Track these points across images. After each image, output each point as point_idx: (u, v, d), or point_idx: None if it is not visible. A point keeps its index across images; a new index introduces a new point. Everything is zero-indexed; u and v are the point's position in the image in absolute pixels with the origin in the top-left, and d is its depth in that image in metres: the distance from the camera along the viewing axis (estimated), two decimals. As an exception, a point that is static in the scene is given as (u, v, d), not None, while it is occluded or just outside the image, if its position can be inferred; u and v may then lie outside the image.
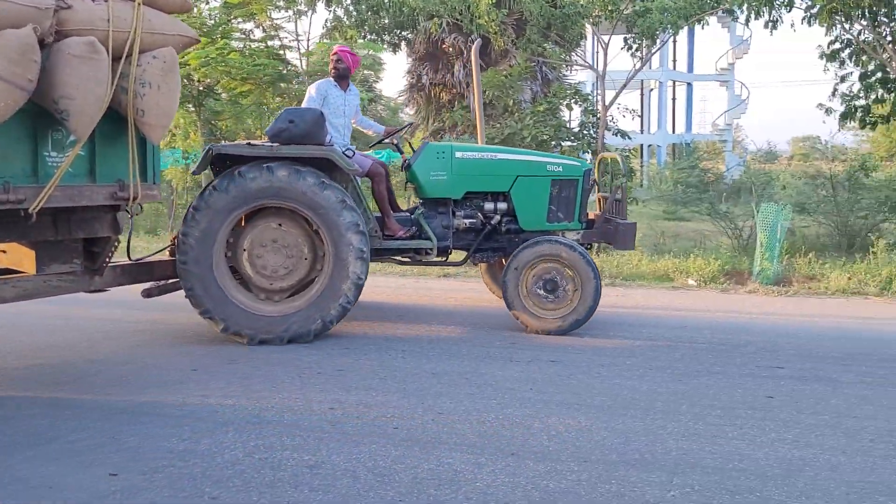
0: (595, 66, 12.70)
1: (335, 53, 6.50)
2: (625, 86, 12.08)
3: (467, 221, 6.38)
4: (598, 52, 12.41)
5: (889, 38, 12.22)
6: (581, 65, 14.43)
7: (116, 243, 5.14)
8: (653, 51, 12.06)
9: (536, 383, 4.85)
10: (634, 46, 11.91)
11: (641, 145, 39.19)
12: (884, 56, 12.56)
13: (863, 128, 15.42)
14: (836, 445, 3.81)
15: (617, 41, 13.14)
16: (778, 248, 9.33)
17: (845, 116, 14.62)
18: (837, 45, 13.59)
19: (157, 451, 3.62)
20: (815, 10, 11.67)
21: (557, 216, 6.48)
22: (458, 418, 4.15)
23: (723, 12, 13.27)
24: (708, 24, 13.04)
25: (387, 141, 6.72)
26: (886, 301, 8.18)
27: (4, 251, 4.89)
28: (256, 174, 5.51)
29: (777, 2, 10.66)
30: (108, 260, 5.11)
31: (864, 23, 12.05)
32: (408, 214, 6.49)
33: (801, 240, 11.46)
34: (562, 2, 12.06)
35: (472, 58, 7.35)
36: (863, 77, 13.99)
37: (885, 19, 11.89)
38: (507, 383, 4.83)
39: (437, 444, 3.76)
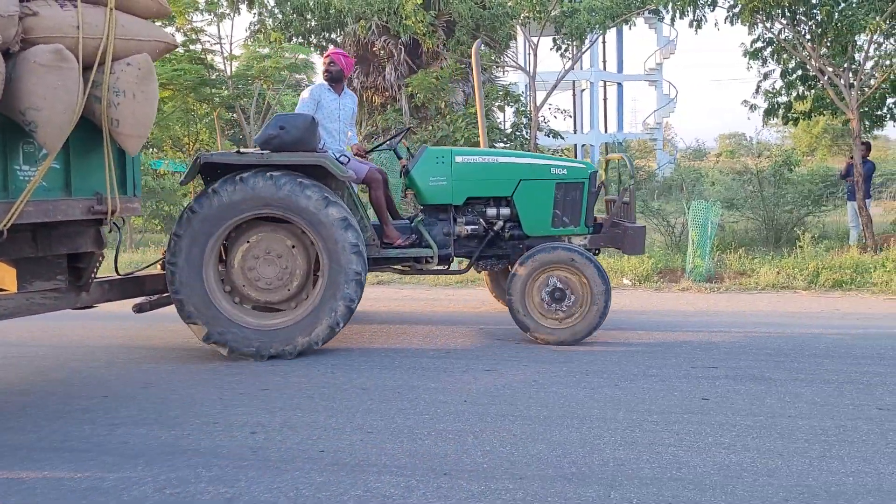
0: (526, 68, 12.67)
1: (328, 56, 6.31)
2: (555, 86, 12.09)
3: (469, 228, 6.16)
4: (529, 54, 12.39)
5: (808, 36, 12.53)
6: (512, 66, 14.39)
7: (101, 258, 4.96)
8: (581, 51, 12.07)
9: (471, 394, 4.68)
10: (563, 47, 11.91)
11: (575, 145, 39.68)
12: (803, 54, 12.88)
13: (785, 124, 15.84)
14: (773, 448, 3.75)
15: (547, 42, 13.15)
16: (709, 245, 9.42)
17: (769, 113, 14.97)
18: (760, 44, 13.91)
19: (56, 490, 3.30)
20: (737, 10, 11.88)
21: (563, 221, 6.25)
22: (388, 437, 3.94)
23: (649, 13, 13.43)
24: (635, 25, 13.19)
25: (384, 147, 6.54)
26: (814, 295, 8.33)
27: None
28: (253, 182, 5.32)
29: (701, 1, 10.79)
30: (93, 276, 4.93)
31: (784, 21, 12.34)
32: (407, 222, 6.30)
33: (731, 236, 11.67)
34: (490, 3, 11.98)
35: (473, 58, 7.11)
36: (784, 74, 14.35)
37: (803, 18, 12.19)
38: (440, 396, 4.65)
39: (365, 468, 3.54)
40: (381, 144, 6.65)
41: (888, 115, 14.06)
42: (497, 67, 15.42)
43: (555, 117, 18.05)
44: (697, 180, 18.93)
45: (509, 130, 12.58)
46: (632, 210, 6.39)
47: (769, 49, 13.94)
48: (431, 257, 6.00)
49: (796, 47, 12.91)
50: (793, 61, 13.96)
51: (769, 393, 4.67)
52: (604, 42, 39.42)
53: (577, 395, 4.64)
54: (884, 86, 12.93)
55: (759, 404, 4.45)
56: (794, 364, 5.34)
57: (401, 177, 6.53)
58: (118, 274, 5.49)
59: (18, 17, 4.01)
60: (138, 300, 5.67)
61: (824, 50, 12.72)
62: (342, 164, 5.73)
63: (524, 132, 12.35)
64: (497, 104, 13.48)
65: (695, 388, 4.79)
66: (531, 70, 12.13)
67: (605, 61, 39.55)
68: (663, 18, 12.55)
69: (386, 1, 12.02)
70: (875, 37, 12.28)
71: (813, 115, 14.94)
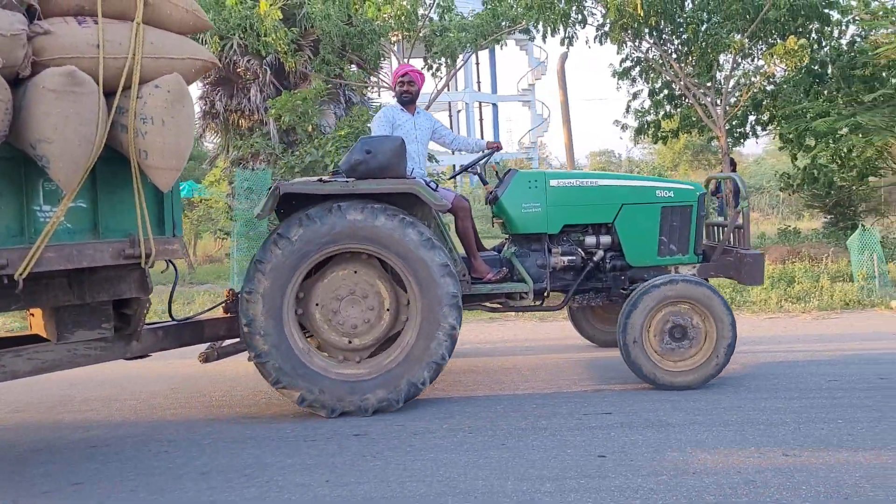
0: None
1: (404, 74, 5.63)
2: (428, 107, 11.58)
3: (566, 259, 5.56)
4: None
5: (674, 56, 12.67)
6: (383, 86, 13.79)
7: (148, 304, 4.52)
8: (454, 71, 11.65)
9: (335, 470, 3.94)
10: (434, 66, 11.44)
11: (453, 165, 39.73)
12: (670, 73, 13.04)
13: (655, 142, 16.11)
14: (683, 520, 3.24)
15: (419, 62, 12.66)
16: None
17: (639, 132, 15.16)
18: (628, 63, 14.03)
19: None
20: (606, 28, 11.84)
21: (670, 248, 5.68)
22: (226, 545, 3.14)
23: (520, 32, 13.26)
24: (506, 45, 12.94)
25: (470, 171, 5.81)
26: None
27: (33, 314, 4.49)
28: (352, 214, 4.72)
29: (571, 19, 10.60)
30: (142, 322, 4.50)
31: (651, 40, 12.42)
32: (495, 254, 5.69)
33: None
34: (357, 20, 11.36)
35: (557, 71, 6.38)
36: (652, 93, 14.56)
37: (670, 37, 12.31)
38: (297, 476, 3.88)
39: None
40: (465, 167, 5.87)
41: (751, 132, 14.49)
42: (370, 88, 14.77)
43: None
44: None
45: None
46: (746, 235, 5.71)
47: (637, 68, 14.08)
48: (526, 292, 5.40)
49: (663, 66, 13.06)
50: (660, 80, 14.17)
51: (669, 443, 4.20)
52: (477, 63, 39.89)
53: (460, 462, 4.00)
54: (745, 104, 13.30)
55: (660, 459, 3.97)
56: (690, 403, 4.94)
57: (487, 203, 5.87)
58: (173, 319, 4.96)
59: (27, 36, 3.57)
60: (203, 347, 5.06)
61: (690, 69, 12.92)
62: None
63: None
64: (369, 126, 12.83)
65: (590, 442, 4.27)
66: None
67: (479, 82, 39.89)
68: (534, 38, 12.38)
69: (244, 17, 11.15)
70: (736, 56, 12.61)
71: (680, 132, 15.22)
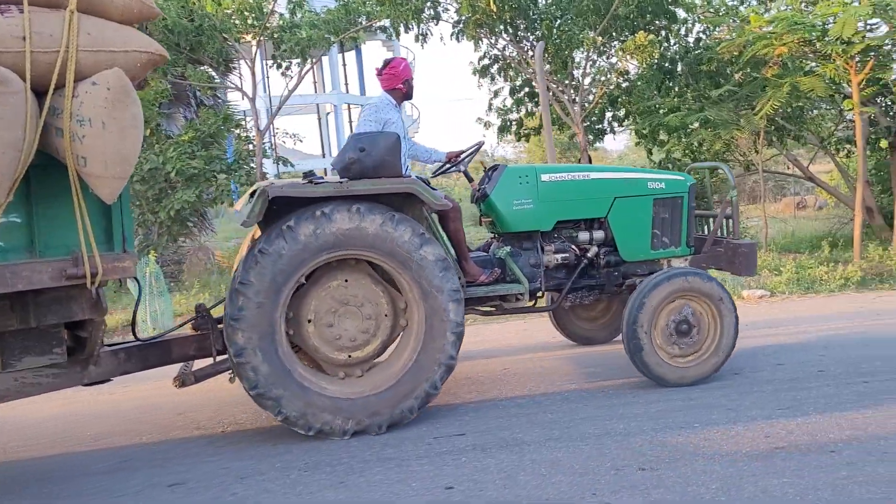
0: (260, 89, 11.37)
1: (404, 67, 5.15)
2: (279, 109, 10.97)
3: (559, 256, 5.31)
4: (265, 74, 11.13)
5: (531, 54, 12.61)
6: (230, 87, 12.95)
7: (104, 326, 4.10)
8: (305, 70, 11.05)
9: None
10: (285, 65, 10.81)
11: (325, 169, 38.82)
12: (529, 71, 13.00)
13: (518, 140, 16.09)
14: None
15: (269, 62, 11.95)
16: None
17: (502, 130, 15.08)
18: (487, 61, 13.89)
19: None
20: (462, 25, 11.60)
21: (662, 241, 5.49)
22: None
23: (380, 31, 12.83)
24: (364, 43, 12.49)
25: (452, 169, 5.47)
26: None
27: None
28: (341, 218, 4.34)
29: (424, 15, 10.26)
30: (98, 345, 4.09)
31: (507, 37, 12.30)
32: (484, 254, 5.37)
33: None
34: (197, 15, 10.54)
35: (536, 63, 6.15)
36: (512, 91, 14.50)
37: (525, 34, 12.22)
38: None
39: None
40: (449, 165, 5.45)
41: (608, 128, 14.72)
42: (221, 90, 13.87)
43: (283, 142, 16.76)
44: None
45: (233, 159, 11.17)
46: (736, 225, 5.58)
47: (496, 66, 13.97)
48: (522, 294, 5.06)
49: (521, 64, 13.00)
50: (520, 78, 14.14)
51: (522, 465, 3.87)
52: (344, 64, 39.18)
53: (290, 511, 3.49)
54: (602, 101, 13.46)
55: (512, 485, 3.62)
56: (547, 416, 4.65)
57: (473, 202, 5.52)
58: (136, 339, 4.55)
59: None
60: (173, 368, 4.67)
61: (547, 66, 12.92)
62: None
63: (249, 160, 11.02)
64: (223, 129, 11.98)
65: (438, 471, 3.86)
66: (252, 92, 10.88)
67: (347, 84, 39.20)
68: (391, 36, 11.98)
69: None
70: (591, 54, 12.71)
71: (542, 130, 15.27)
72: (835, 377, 5.07)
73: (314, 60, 11.45)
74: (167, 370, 4.86)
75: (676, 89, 13.27)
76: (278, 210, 4.37)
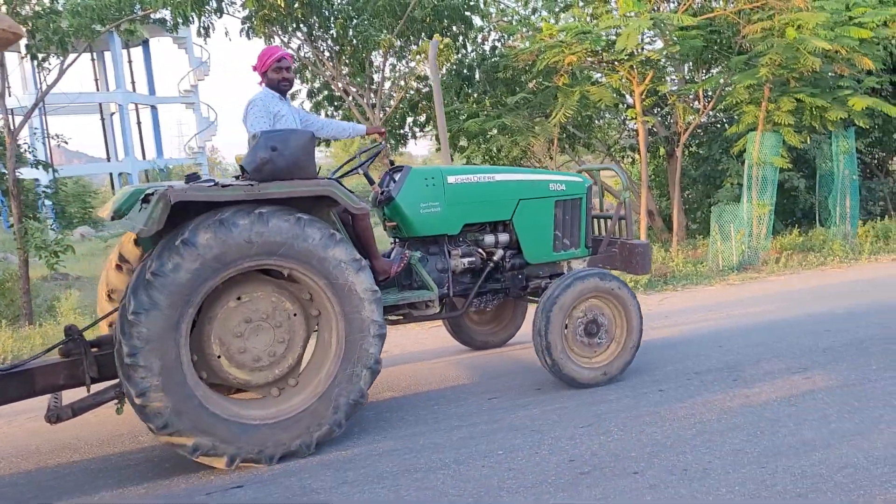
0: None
1: (282, 59, 4.82)
2: (34, 108, 9.54)
3: (466, 261, 5.20)
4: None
5: (327, 54, 12.07)
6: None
7: None
8: (67, 63, 9.71)
9: None
10: (41, 56, 9.43)
11: (111, 174, 35.72)
12: (326, 73, 12.45)
13: (318, 145, 15.48)
14: None
15: (20, 53, 10.39)
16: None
17: (301, 134, 14.39)
18: (281, 61, 13.16)
19: None
20: (251, 21, 10.80)
21: (563, 243, 5.52)
22: None
23: (159, 23, 11.66)
24: (148, 37, 11.27)
25: (356, 170, 5.14)
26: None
27: None
28: (245, 225, 3.90)
29: (207, 7, 9.38)
30: None
31: (302, 36, 11.67)
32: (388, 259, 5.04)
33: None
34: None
35: (430, 58, 5.98)
36: (310, 94, 13.87)
37: (320, 33, 11.65)
38: None
39: None
40: (357, 167, 5.12)
41: (410, 134, 14.53)
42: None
43: (62, 144, 14.99)
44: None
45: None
46: (629, 226, 5.67)
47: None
48: (432, 300, 4.88)
49: (317, 65, 12.43)
50: (318, 81, 13.54)
51: (310, 521, 3.34)
52: (130, 62, 36.27)
53: None
54: (402, 105, 13.23)
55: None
56: (340, 452, 4.14)
57: (376, 205, 5.20)
58: None
59: None
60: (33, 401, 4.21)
61: (346, 69, 12.45)
62: None
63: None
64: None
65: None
66: (0, 87, 9.36)
67: (134, 82, 36.31)
68: (172, 29, 10.90)
69: None
70: (391, 58, 12.42)
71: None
72: (632, 387, 5.04)
73: (78, 54, 10.09)
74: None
75: (475, 95, 13.37)
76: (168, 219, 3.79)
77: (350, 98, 12.56)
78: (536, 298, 5.29)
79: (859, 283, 8.60)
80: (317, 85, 13.66)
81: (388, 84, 13.22)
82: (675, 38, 10.16)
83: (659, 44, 11.77)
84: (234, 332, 4.06)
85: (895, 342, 5.76)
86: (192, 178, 4.09)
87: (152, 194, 3.83)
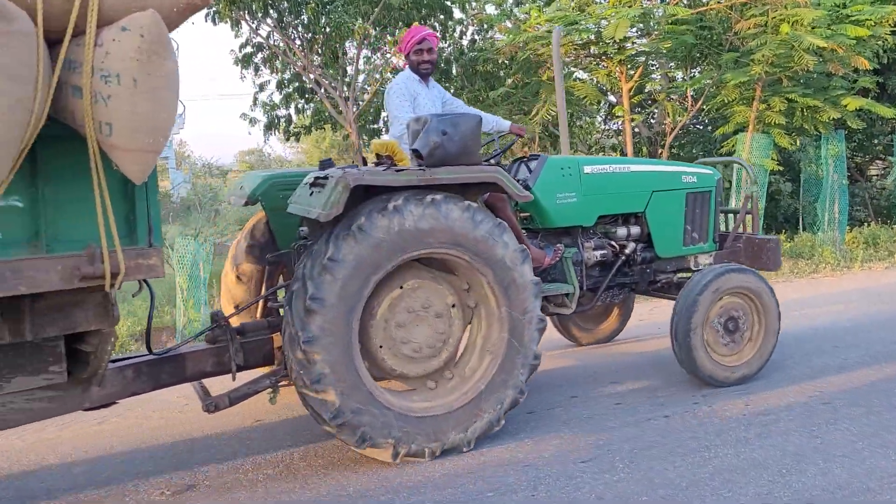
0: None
1: (423, 40, 4.86)
2: None
3: (598, 254, 5.06)
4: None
5: (298, 42, 11.43)
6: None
7: (114, 337, 3.32)
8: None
9: None
10: None
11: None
12: (297, 63, 11.81)
13: (287, 140, 14.84)
14: None
15: None
16: (206, 295, 7.41)
17: (269, 128, 13.72)
18: (250, 49, 12.48)
19: None
20: (218, 5, 10.13)
21: (692, 237, 5.38)
22: None
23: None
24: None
25: (494, 158, 5.00)
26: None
27: None
28: (418, 212, 3.75)
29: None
30: (105, 362, 3.33)
31: (272, 22, 11.02)
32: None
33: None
34: None
35: (553, 45, 6.00)
36: (280, 85, 13.21)
37: (291, 19, 11.00)
38: None
39: None
40: (494, 156, 5.02)
41: (384, 128, 13.96)
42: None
43: None
44: (214, 199, 18.67)
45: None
46: (755, 220, 5.68)
47: (260, 55, 12.62)
48: (570, 294, 4.79)
49: (287, 54, 11.79)
50: (288, 71, 12.90)
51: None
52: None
53: None
54: (376, 100, 12.64)
55: None
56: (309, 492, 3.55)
57: None
58: (150, 352, 3.81)
59: None
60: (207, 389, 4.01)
61: (318, 59, 11.83)
62: None
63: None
64: None
65: None
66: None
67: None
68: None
69: None
70: (365, 49, 11.83)
71: (314, 129, 14.16)
72: (633, 411, 4.52)
73: None
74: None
75: (452, 91, 12.83)
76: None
77: (322, 90, 11.94)
78: (663, 294, 5.34)
79: (856, 293, 8.19)
80: (287, 76, 13.01)
81: (361, 77, 12.64)
82: (667, 33, 9.70)
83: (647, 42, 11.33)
84: (396, 321, 3.93)
85: (912, 360, 5.32)
86: (327, 163, 4.10)
87: (324, 178, 3.79)
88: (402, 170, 3.87)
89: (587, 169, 4.97)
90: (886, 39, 10.63)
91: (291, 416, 4.82)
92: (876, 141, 13.91)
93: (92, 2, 2.58)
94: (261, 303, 4.75)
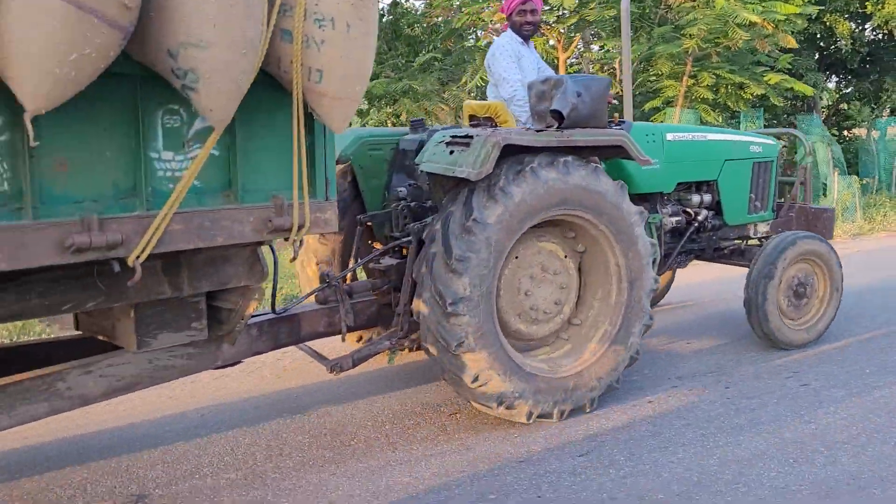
0: None
1: (526, 1, 4.79)
2: None
3: (673, 220, 5.05)
4: None
5: None
6: None
7: (258, 295, 3.16)
8: None
9: None
10: None
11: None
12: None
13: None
14: None
15: None
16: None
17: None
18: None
19: None
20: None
21: (755, 206, 5.51)
22: None
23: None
24: None
25: None
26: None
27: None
28: (554, 174, 3.73)
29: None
30: (245, 319, 3.22)
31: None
32: None
33: None
34: None
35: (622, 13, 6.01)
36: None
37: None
38: None
39: None
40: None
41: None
42: None
43: None
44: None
45: None
46: (809, 191, 5.81)
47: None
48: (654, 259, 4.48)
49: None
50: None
51: None
52: None
53: None
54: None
55: None
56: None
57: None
58: (273, 311, 3.71)
59: None
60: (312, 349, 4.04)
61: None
62: None
63: None
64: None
65: None
66: None
67: None
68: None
69: None
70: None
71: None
72: (615, 396, 4.30)
73: None
74: None
75: (376, 57, 12.28)
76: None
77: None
78: (728, 261, 5.49)
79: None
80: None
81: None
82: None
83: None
84: (528, 273, 3.93)
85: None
86: (418, 123, 4.28)
87: (464, 137, 3.73)
88: (543, 131, 3.83)
89: (669, 136, 5.04)
90: (796, 23, 10.91)
91: (245, 406, 4.34)
92: (793, 118, 14.41)
93: None
94: (351, 261, 4.57)
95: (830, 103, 17.21)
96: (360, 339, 4.73)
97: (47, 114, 2.08)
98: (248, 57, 2.39)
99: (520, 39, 4.94)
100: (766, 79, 10.38)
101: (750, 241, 5.70)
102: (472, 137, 3.69)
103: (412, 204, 4.28)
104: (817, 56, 15.56)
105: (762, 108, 11.34)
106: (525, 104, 4.60)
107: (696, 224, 5.24)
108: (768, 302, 4.88)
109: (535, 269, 3.96)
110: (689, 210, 5.24)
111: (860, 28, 16.10)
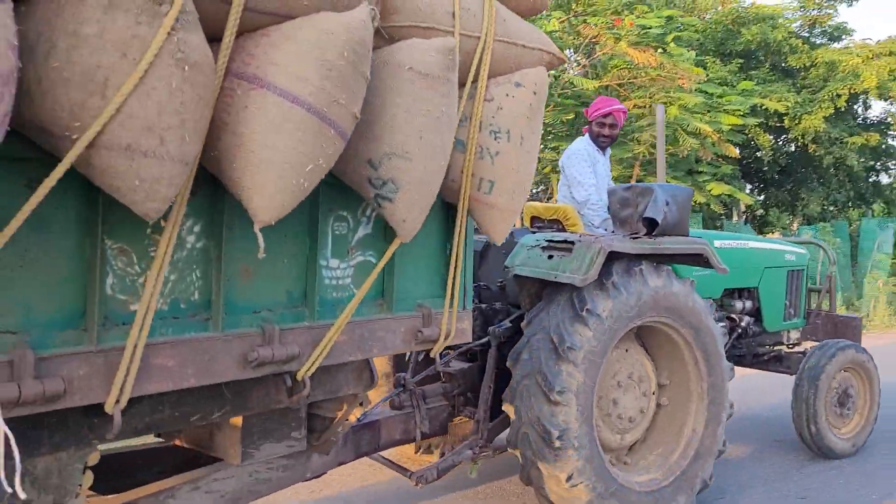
0: None
1: (608, 114, 4.83)
2: None
3: (720, 325, 4.72)
4: None
5: None
6: None
7: (363, 403, 3.19)
8: None
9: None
10: None
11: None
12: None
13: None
14: None
15: None
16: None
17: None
18: None
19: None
20: None
21: (789, 313, 5.64)
22: None
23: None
24: None
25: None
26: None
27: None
28: (654, 279, 3.79)
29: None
30: (346, 428, 3.15)
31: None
32: None
33: None
34: None
35: (658, 121, 5.67)
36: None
37: None
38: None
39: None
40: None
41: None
42: None
43: None
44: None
45: None
46: (834, 299, 6.04)
47: None
48: None
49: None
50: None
51: None
52: None
53: None
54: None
55: None
56: None
57: None
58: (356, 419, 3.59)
59: None
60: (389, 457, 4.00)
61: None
62: None
63: None
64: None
65: None
66: None
67: None
68: None
69: None
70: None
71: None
72: None
73: None
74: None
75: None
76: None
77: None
78: (765, 367, 5.60)
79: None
80: None
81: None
82: (563, 102, 9.89)
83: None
84: (615, 380, 3.88)
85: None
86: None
87: (563, 242, 3.72)
88: (637, 237, 3.87)
89: (717, 243, 5.10)
90: (738, 135, 11.67)
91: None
92: (718, 223, 15.22)
93: (485, 54, 2.53)
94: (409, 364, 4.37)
95: (745, 210, 18.42)
96: (419, 449, 4.57)
97: (238, 218, 2.00)
98: (442, 167, 2.39)
99: (595, 147, 4.95)
100: (708, 188, 10.94)
101: (781, 347, 5.87)
102: (572, 243, 3.70)
103: (483, 306, 4.15)
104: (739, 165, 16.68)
105: (701, 214, 11.89)
106: (599, 209, 4.63)
107: (740, 330, 5.31)
108: (820, 417, 4.97)
109: (625, 379, 3.89)
110: (732, 316, 5.31)
111: (778, 140, 17.47)
